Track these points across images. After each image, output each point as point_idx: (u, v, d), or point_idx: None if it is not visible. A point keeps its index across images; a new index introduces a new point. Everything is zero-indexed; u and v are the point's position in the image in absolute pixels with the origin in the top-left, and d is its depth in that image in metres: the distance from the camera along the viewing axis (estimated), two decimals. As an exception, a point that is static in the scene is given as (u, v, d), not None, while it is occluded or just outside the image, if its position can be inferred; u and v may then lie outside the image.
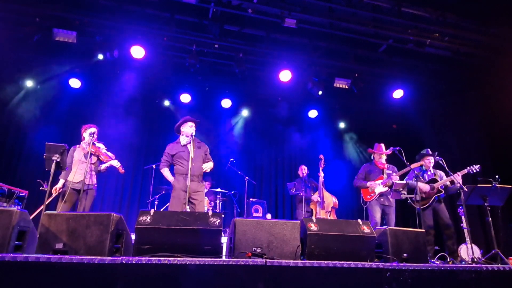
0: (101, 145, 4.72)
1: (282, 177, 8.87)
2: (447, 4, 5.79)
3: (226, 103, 8.07)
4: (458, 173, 4.84)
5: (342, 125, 9.09)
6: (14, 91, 7.12)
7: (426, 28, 6.07)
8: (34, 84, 7.22)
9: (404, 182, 4.99)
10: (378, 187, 5.20)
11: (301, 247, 2.97)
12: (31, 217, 2.88)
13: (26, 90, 7.21)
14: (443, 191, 5.00)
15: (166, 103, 8.14)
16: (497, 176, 4.44)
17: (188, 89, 7.77)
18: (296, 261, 2.71)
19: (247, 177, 6.96)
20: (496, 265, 3.25)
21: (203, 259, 2.44)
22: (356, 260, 2.77)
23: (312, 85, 7.19)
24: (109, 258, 2.34)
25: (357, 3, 5.68)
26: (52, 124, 7.12)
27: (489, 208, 4.42)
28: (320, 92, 7.23)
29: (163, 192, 6.56)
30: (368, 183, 5.28)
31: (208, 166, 4.52)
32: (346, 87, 7.30)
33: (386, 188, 5.16)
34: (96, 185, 4.68)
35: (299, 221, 3.09)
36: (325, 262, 2.64)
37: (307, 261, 2.71)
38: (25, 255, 2.26)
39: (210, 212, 2.95)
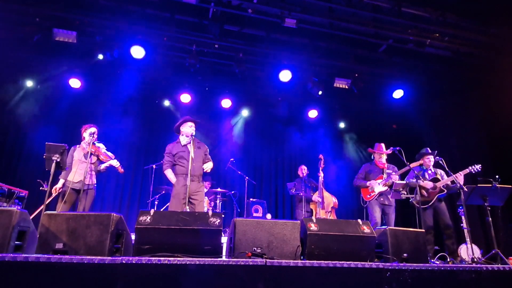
0: (101, 145, 4.72)
1: (282, 177, 8.87)
2: (447, 4, 5.79)
3: (226, 103, 8.06)
4: (460, 172, 4.84)
5: (342, 125, 9.09)
6: (14, 91, 7.12)
7: (426, 28, 6.07)
8: (34, 84, 7.22)
9: (404, 182, 4.99)
10: (378, 186, 5.20)
11: (301, 247, 2.97)
12: (31, 217, 2.88)
13: (26, 90, 7.21)
14: (446, 190, 5.00)
15: (166, 103, 8.13)
16: (497, 176, 4.44)
17: (188, 89, 7.77)
18: (296, 261, 2.71)
19: (247, 177, 6.96)
20: (496, 265, 3.25)
21: (203, 259, 2.44)
22: (356, 260, 2.77)
23: (312, 85, 7.19)
24: (109, 258, 2.34)
25: (357, 3, 5.68)
26: (52, 124, 7.11)
27: (489, 208, 4.42)
28: (320, 92, 7.23)
29: (163, 192, 6.55)
30: (368, 183, 5.29)
31: (209, 166, 4.53)
32: (346, 87, 7.30)
33: (386, 188, 5.16)
34: (95, 185, 4.68)
35: (299, 221, 3.09)
36: (325, 262, 2.64)
37: (307, 261, 2.71)
38: (25, 255, 2.26)
39: (210, 212, 2.95)
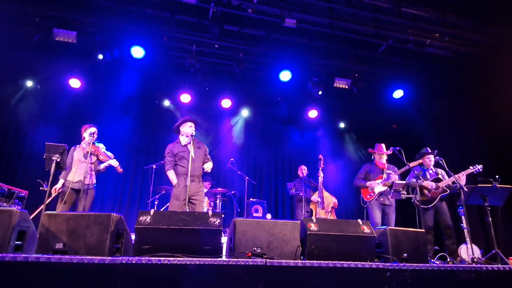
0: (100, 145, 4.73)
1: (282, 177, 8.87)
2: (447, 4, 5.79)
3: (226, 103, 8.07)
4: (462, 172, 4.84)
5: (342, 125, 9.08)
6: (14, 91, 7.12)
7: (426, 28, 6.07)
8: (34, 84, 7.22)
9: (404, 182, 4.99)
10: (378, 186, 5.20)
11: (301, 247, 2.97)
12: (31, 217, 2.88)
13: (26, 90, 7.21)
14: (448, 191, 5.00)
15: (166, 103, 8.14)
16: (497, 176, 4.44)
17: (188, 89, 7.77)
18: (296, 261, 2.71)
19: (247, 177, 6.96)
20: (496, 265, 3.25)
21: (203, 259, 2.44)
22: (356, 260, 2.77)
23: (312, 85, 7.20)
24: (109, 258, 2.34)
25: (357, 3, 5.68)
26: (52, 124, 7.11)
27: (489, 208, 4.42)
28: (320, 92, 7.22)
29: (163, 192, 6.55)
30: (368, 183, 5.29)
31: (209, 166, 4.53)
32: (346, 87, 7.30)
33: (386, 188, 5.16)
34: (95, 185, 4.68)
35: (299, 221, 3.09)
36: (325, 262, 2.64)
37: (307, 261, 2.71)
38: (25, 255, 2.26)
39: (210, 212, 2.95)
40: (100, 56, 6.21)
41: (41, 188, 4.29)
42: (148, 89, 7.79)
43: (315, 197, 6.33)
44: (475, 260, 4.25)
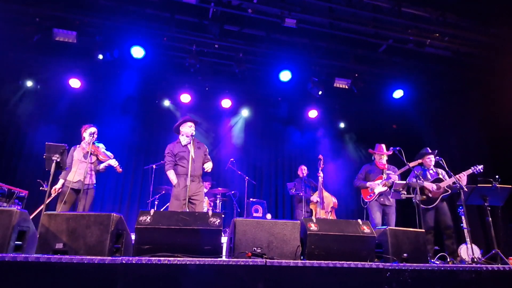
0: (100, 145, 4.73)
1: (282, 177, 8.87)
2: (447, 4, 5.79)
3: (226, 103, 8.07)
4: (463, 173, 4.84)
5: (342, 125, 9.08)
6: (14, 91, 7.12)
7: (426, 28, 6.07)
8: (34, 84, 7.22)
9: (404, 182, 4.98)
10: (378, 187, 5.20)
11: (301, 247, 2.97)
12: (31, 217, 2.88)
13: (26, 90, 7.21)
14: (449, 191, 5.00)
15: (166, 103, 8.14)
16: (497, 176, 4.44)
17: (188, 89, 7.77)
18: (296, 261, 2.71)
19: (247, 177, 6.96)
20: (496, 265, 3.25)
21: (203, 259, 2.44)
22: (356, 260, 2.77)
23: (312, 85, 7.20)
24: (109, 258, 2.34)
25: (357, 3, 5.68)
26: (52, 124, 7.11)
27: (489, 208, 4.42)
28: (320, 92, 7.23)
29: (163, 192, 6.55)
30: (368, 183, 5.29)
31: (209, 166, 4.53)
32: (346, 87, 7.30)
33: (386, 188, 5.16)
34: (95, 185, 4.68)
35: (299, 221, 3.09)
36: (325, 262, 2.64)
37: (307, 261, 2.71)
38: (25, 255, 2.26)
39: (210, 212, 2.95)
40: (100, 56, 6.21)
41: (41, 188, 4.29)
42: (148, 89, 7.79)
43: (315, 197, 6.33)
44: (475, 260, 4.25)
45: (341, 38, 6.55)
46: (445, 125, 7.79)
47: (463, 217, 5.21)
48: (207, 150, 4.76)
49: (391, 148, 4.94)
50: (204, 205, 6.20)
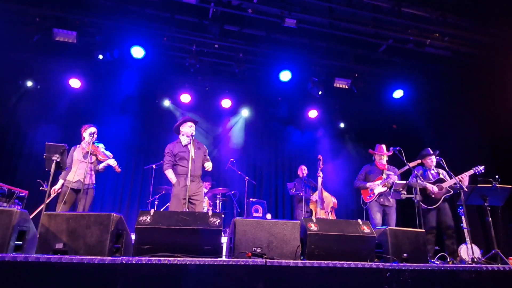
0: (100, 145, 4.73)
1: (282, 177, 8.87)
2: (447, 4, 5.79)
3: (226, 103, 8.07)
4: (465, 173, 4.84)
5: (342, 125, 9.08)
6: (14, 91, 7.11)
7: (426, 28, 6.07)
8: (34, 84, 7.22)
9: (404, 182, 4.98)
10: (377, 187, 5.20)
11: (301, 247, 2.97)
12: (31, 217, 2.88)
13: (26, 90, 7.21)
14: (452, 191, 5.00)
15: (166, 103, 8.14)
16: (497, 176, 4.44)
17: (188, 89, 7.77)
18: (296, 261, 2.71)
19: (247, 177, 6.96)
20: (496, 265, 3.25)
21: (203, 259, 2.44)
22: (356, 260, 2.77)
23: (312, 85, 7.20)
24: (109, 258, 2.34)
25: (357, 3, 5.68)
26: (52, 124, 7.11)
27: (489, 208, 4.42)
28: (320, 92, 7.23)
29: (163, 192, 6.55)
30: (368, 184, 5.29)
31: (210, 165, 4.53)
32: (346, 87, 7.30)
33: (385, 188, 5.16)
34: (95, 185, 4.69)
35: (299, 221, 3.09)
36: (325, 262, 2.64)
37: (307, 261, 2.70)
38: (25, 255, 2.26)
39: (210, 212, 2.95)
40: (100, 56, 6.21)
41: (41, 188, 4.29)
42: (148, 89, 7.79)
43: (315, 196, 6.32)
44: (475, 260, 4.25)
45: (341, 38, 6.55)
46: (445, 125, 7.79)
47: (463, 217, 5.21)
48: (207, 151, 4.76)
49: (391, 148, 4.94)
50: (204, 205, 6.20)
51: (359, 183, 5.42)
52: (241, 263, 2.47)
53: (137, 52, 6.24)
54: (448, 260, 4.62)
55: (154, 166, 6.38)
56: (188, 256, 2.59)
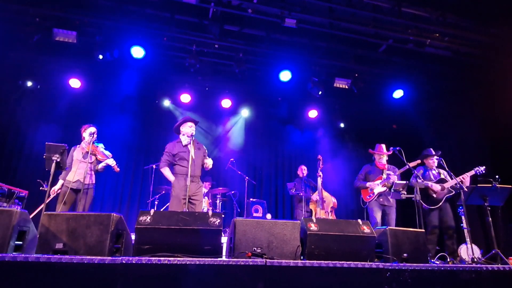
0: (100, 145, 4.73)
1: (282, 177, 8.87)
2: (447, 4, 5.79)
3: (226, 103, 8.07)
4: (466, 174, 4.84)
5: (342, 125, 9.08)
6: (14, 91, 7.11)
7: (426, 28, 6.07)
8: (34, 84, 7.22)
9: (404, 182, 4.98)
10: (377, 187, 5.20)
11: (301, 247, 2.97)
12: (31, 217, 2.88)
13: (26, 90, 7.21)
14: (453, 192, 5.00)
15: (166, 103, 8.14)
16: (497, 176, 4.44)
17: (188, 89, 7.77)
18: (296, 261, 2.71)
19: (247, 177, 6.96)
20: (496, 265, 3.25)
21: (203, 259, 2.44)
22: (356, 260, 2.77)
23: (312, 85, 7.20)
24: (109, 258, 2.34)
25: (357, 3, 5.68)
26: (52, 124, 7.11)
27: (489, 208, 4.41)
28: (320, 92, 7.23)
29: (163, 192, 6.55)
30: (368, 184, 5.28)
31: (210, 162, 4.51)
32: (346, 87, 7.30)
33: (385, 188, 5.16)
34: (94, 185, 4.68)
35: (299, 221, 3.09)
36: (325, 262, 2.64)
37: (307, 261, 2.70)
38: (25, 255, 2.26)
39: (210, 212, 2.95)
40: (100, 56, 6.21)
41: (41, 188, 4.29)
42: (148, 89, 7.79)
43: (315, 195, 6.32)
44: (475, 260, 4.25)
45: (341, 38, 6.55)
46: (445, 125, 7.79)
47: (463, 217, 5.21)
48: (206, 151, 4.76)
49: (391, 148, 4.94)
50: (204, 205, 6.20)
51: (359, 183, 5.42)
52: (241, 263, 2.47)
53: (137, 52, 6.25)
54: (448, 260, 4.62)
55: (154, 166, 6.39)
56: (188, 256, 2.59)
